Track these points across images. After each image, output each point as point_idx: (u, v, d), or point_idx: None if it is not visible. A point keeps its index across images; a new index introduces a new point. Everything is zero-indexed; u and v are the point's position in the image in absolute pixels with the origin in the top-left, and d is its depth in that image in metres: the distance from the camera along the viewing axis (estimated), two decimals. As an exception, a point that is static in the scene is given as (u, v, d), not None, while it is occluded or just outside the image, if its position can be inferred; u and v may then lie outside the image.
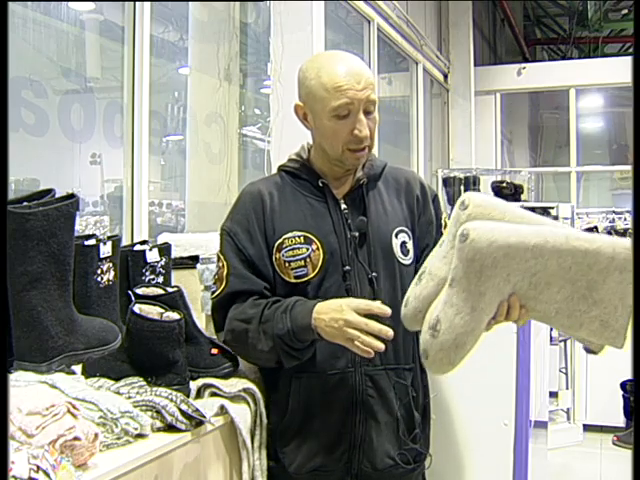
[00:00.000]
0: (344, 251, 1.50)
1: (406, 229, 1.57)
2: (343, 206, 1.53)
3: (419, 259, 1.57)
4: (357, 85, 1.42)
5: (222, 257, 1.53)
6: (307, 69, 1.49)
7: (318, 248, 1.48)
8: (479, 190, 4.84)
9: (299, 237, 1.50)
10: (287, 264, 1.49)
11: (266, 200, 1.55)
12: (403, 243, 1.55)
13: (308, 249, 1.49)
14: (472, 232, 1.20)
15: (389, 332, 1.32)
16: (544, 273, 1.23)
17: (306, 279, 1.49)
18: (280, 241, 1.50)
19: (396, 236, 1.54)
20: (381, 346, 1.32)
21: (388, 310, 1.34)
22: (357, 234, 1.51)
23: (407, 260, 1.55)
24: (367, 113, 1.45)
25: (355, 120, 1.44)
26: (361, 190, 1.55)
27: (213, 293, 1.55)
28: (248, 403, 1.51)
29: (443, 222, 1.60)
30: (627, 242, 1.24)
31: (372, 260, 1.51)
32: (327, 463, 1.50)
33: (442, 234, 1.52)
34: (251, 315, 1.47)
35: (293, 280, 1.49)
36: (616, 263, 1.23)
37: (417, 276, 1.37)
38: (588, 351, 1.37)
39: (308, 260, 1.48)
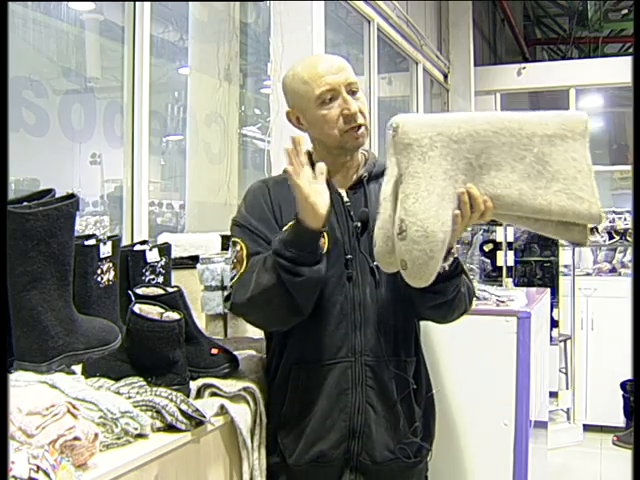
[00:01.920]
0: (346, 241, 1.53)
1: None
2: (345, 198, 1.57)
3: None
4: (332, 69, 1.50)
5: (238, 240, 1.53)
6: (286, 76, 1.58)
7: (322, 237, 1.49)
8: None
9: None
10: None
11: (271, 191, 1.59)
12: None
13: None
14: (400, 121, 1.27)
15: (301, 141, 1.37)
16: (487, 153, 1.27)
17: None
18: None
19: None
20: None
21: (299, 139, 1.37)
22: (359, 224, 1.54)
23: None
24: (351, 93, 1.50)
25: (341, 101, 1.49)
26: (362, 184, 1.59)
27: (233, 278, 1.52)
28: (248, 402, 1.51)
29: None
30: (552, 113, 1.32)
31: (373, 250, 1.52)
32: (325, 452, 1.50)
33: None
34: (254, 264, 1.46)
35: None
36: (552, 131, 1.28)
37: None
38: (574, 245, 1.39)
39: None
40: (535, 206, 1.30)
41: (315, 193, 1.37)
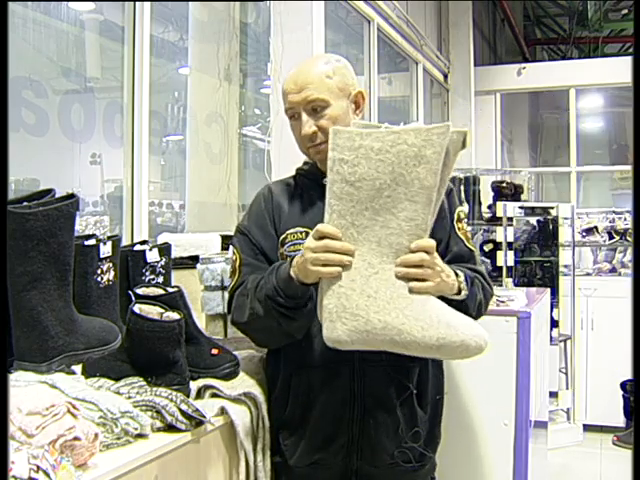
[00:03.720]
0: None
1: None
2: None
3: None
4: (294, 88, 1.52)
5: (234, 250, 1.58)
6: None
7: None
8: (479, 190, 4.82)
9: (300, 233, 1.53)
10: (289, 259, 1.49)
11: (275, 198, 1.60)
12: None
13: None
14: None
15: (351, 248, 1.27)
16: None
17: None
18: (284, 236, 1.55)
19: None
20: (345, 258, 1.27)
21: (337, 231, 1.29)
22: None
23: None
24: (313, 112, 1.51)
25: (300, 122, 1.52)
26: None
27: (229, 287, 1.58)
28: (249, 407, 1.51)
29: (456, 216, 1.58)
30: None
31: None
32: (325, 457, 1.51)
33: (455, 227, 1.56)
34: (249, 288, 1.49)
35: None
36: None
37: None
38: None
39: None
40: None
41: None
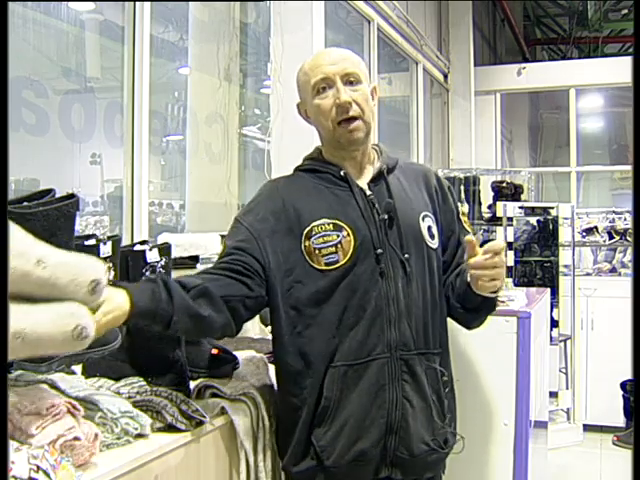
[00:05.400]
0: (375, 235, 1.50)
1: (430, 214, 1.59)
2: (368, 192, 1.55)
3: (445, 246, 1.62)
4: (329, 60, 1.51)
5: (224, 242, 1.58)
6: (298, 69, 1.59)
7: (349, 234, 1.49)
8: (479, 190, 4.82)
9: (328, 224, 1.50)
10: (317, 251, 1.49)
11: (287, 197, 1.55)
12: (429, 227, 1.57)
13: (339, 235, 1.49)
14: None
15: None
16: None
17: (337, 265, 1.48)
18: (309, 229, 1.50)
19: (423, 219, 1.56)
20: None
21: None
22: (386, 217, 1.52)
23: (434, 244, 1.58)
24: (349, 84, 1.51)
25: (335, 91, 1.50)
26: (383, 177, 1.57)
27: None
28: (249, 407, 1.51)
29: (461, 210, 1.63)
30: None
31: (404, 242, 1.52)
32: (366, 450, 1.47)
33: (461, 220, 1.64)
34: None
35: (323, 267, 1.48)
36: None
37: None
38: None
39: (339, 246, 1.48)
40: None
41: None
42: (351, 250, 1.48)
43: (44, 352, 1.03)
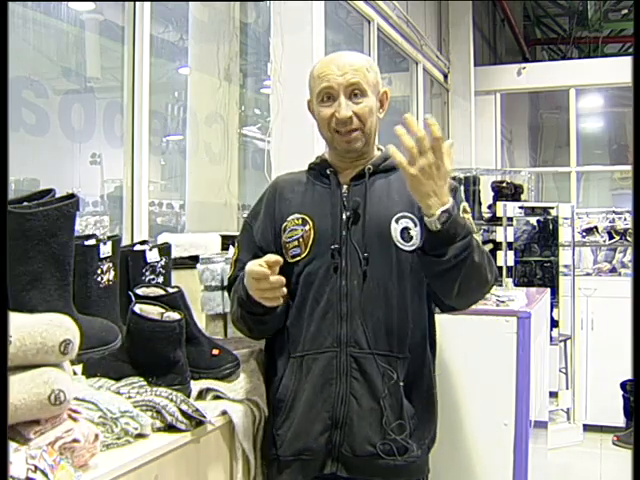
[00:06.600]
0: (336, 230, 1.53)
1: (411, 216, 1.53)
2: (343, 189, 1.58)
3: None
4: (336, 71, 1.53)
5: (236, 244, 1.68)
6: (311, 68, 1.62)
7: (310, 228, 1.55)
8: (479, 190, 4.82)
9: (298, 219, 1.57)
10: (287, 245, 1.57)
11: (280, 189, 1.65)
12: (405, 229, 1.53)
13: (302, 230, 1.55)
14: None
15: (281, 279, 1.42)
16: None
17: (299, 259, 1.55)
18: (285, 224, 1.58)
19: (396, 221, 1.54)
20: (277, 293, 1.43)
21: (279, 259, 1.42)
22: (349, 214, 1.54)
23: (407, 246, 1.52)
24: (353, 96, 1.53)
25: (337, 103, 1.52)
26: (364, 177, 1.58)
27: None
28: (250, 408, 1.51)
29: (462, 208, 1.56)
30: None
31: (366, 241, 1.52)
32: (309, 443, 1.50)
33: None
34: (233, 293, 1.61)
35: (290, 260, 1.55)
36: None
37: None
38: None
39: (301, 240, 1.55)
40: None
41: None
42: (310, 243, 1.54)
43: (23, 420, 1.03)
